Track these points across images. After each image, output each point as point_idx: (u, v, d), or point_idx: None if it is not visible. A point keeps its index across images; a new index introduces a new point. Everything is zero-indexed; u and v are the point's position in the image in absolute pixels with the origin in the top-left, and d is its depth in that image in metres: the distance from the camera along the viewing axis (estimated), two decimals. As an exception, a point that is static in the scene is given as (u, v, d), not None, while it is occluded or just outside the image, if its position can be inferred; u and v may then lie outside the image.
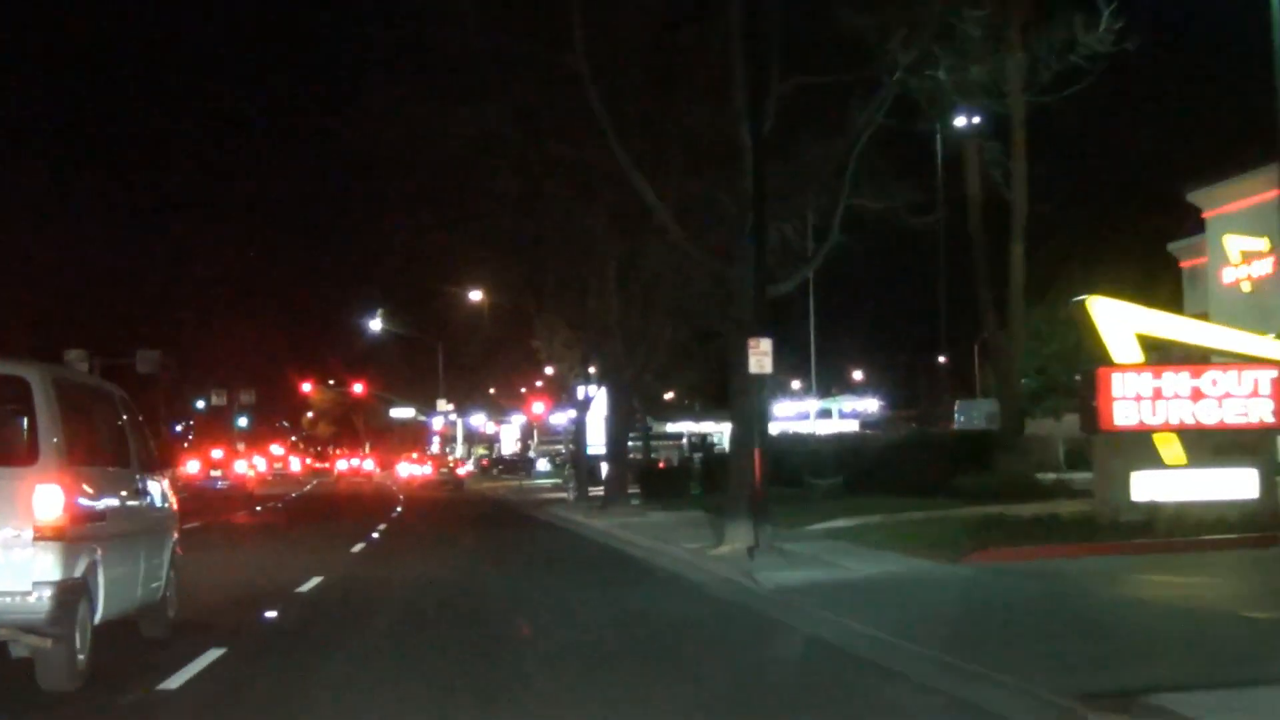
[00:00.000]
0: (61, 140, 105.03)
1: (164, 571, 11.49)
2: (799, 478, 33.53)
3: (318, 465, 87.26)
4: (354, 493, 55.50)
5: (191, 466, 55.24)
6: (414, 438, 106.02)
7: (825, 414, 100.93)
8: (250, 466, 55.05)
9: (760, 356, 18.77)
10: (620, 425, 32.66)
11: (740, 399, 19.89)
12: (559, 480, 58.88)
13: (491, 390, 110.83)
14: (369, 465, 65.93)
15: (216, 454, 54.40)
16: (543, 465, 66.11)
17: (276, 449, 62.33)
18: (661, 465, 46.81)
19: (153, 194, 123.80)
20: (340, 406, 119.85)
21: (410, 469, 57.69)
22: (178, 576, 11.97)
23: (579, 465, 38.37)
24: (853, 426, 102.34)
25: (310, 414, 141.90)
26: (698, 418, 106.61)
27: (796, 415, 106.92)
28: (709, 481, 38.60)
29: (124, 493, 10.42)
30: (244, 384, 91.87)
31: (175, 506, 12.27)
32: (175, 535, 12.11)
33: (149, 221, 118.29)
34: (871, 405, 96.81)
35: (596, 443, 60.38)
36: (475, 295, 63.80)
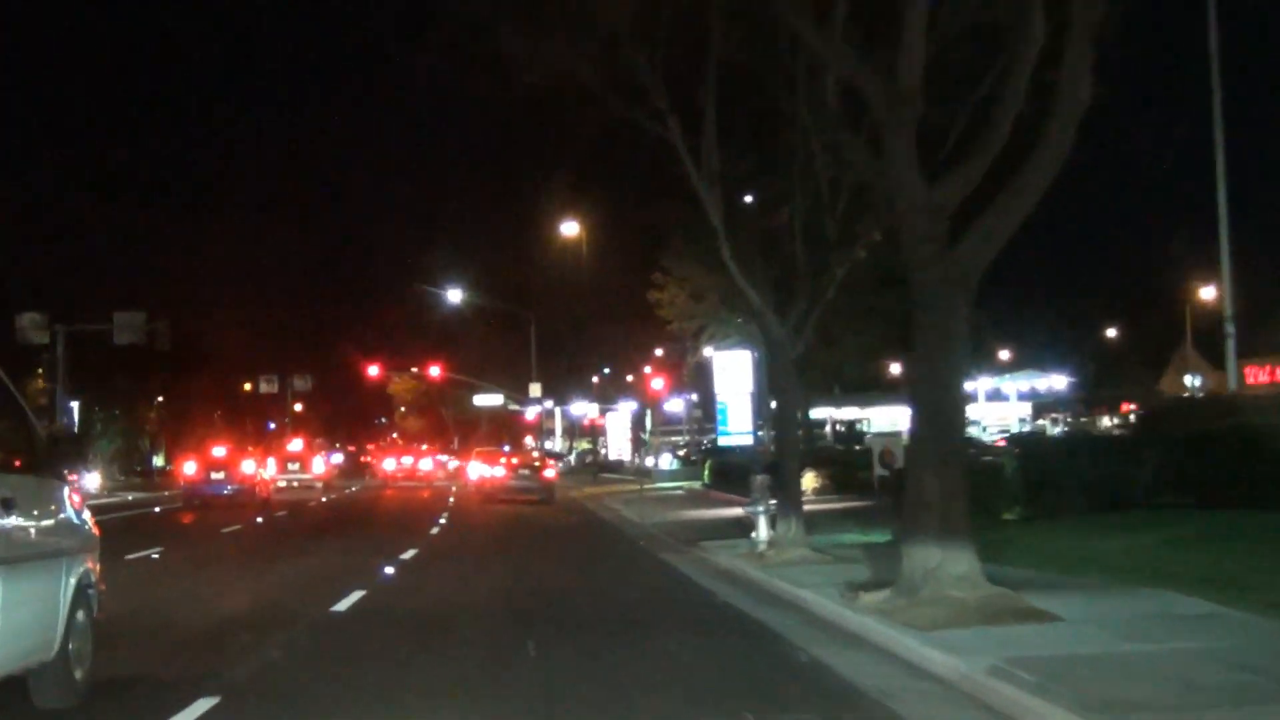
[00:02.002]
0: (75, 88, 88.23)
1: (60, 616, 7.60)
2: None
3: (365, 461, 68.23)
4: (391, 503, 36.52)
5: (188, 468, 36.79)
6: (506, 430, 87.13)
7: (997, 396, 79.86)
8: (260, 466, 36.08)
9: None
10: (949, 377, 11.92)
11: None
12: (694, 483, 39.21)
13: (595, 379, 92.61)
14: (426, 465, 46.72)
15: (218, 451, 35.77)
16: (665, 462, 46.16)
17: (295, 444, 42.96)
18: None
19: (167, 136, 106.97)
20: (424, 397, 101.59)
21: (483, 469, 38.17)
22: (92, 622, 8.04)
23: (782, 469, 18.20)
24: (1025, 410, 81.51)
25: (403, 409, 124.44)
26: (838, 402, 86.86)
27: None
28: (1037, 498, 18.43)
29: None
30: (299, 368, 73.98)
31: (92, 525, 8.46)
32: (89, 564, 8.15)
33: (161, 170, 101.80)
34: (1059, 382, 75.34)
35: (735, 425, 41.44)
36: (571, 228, 44.47)
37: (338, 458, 46.95)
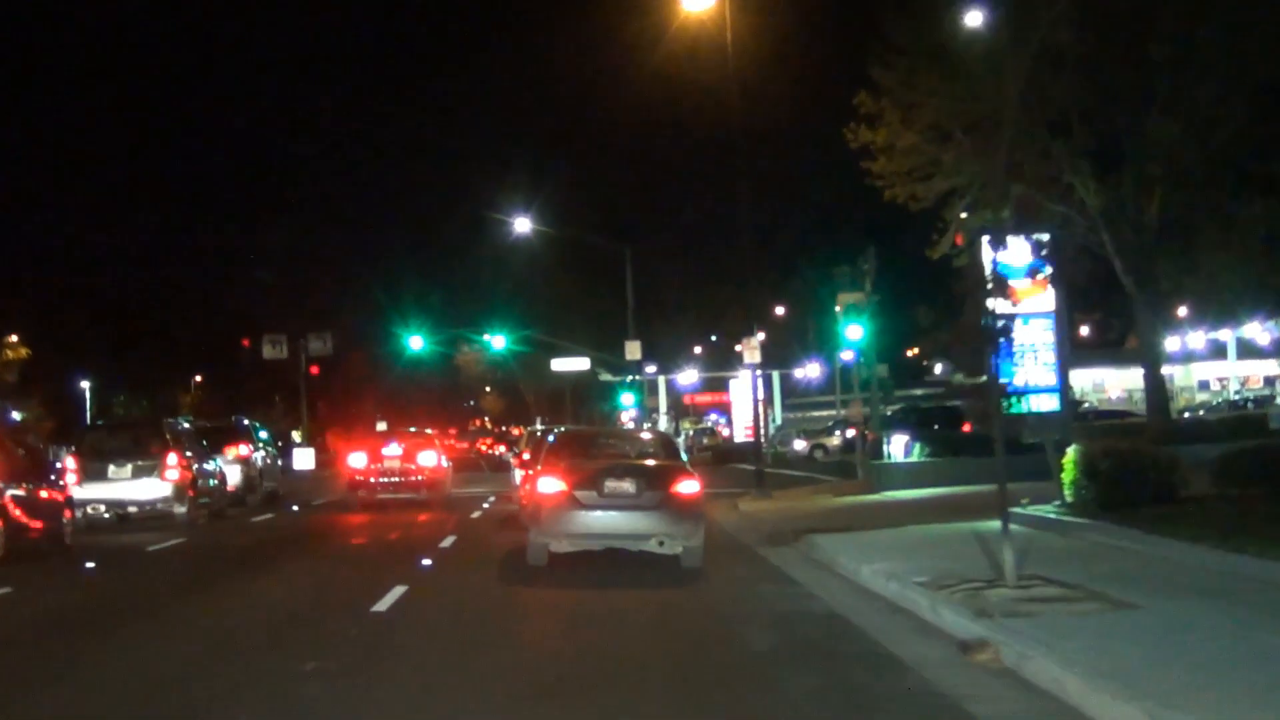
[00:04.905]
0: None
1: None
2: None
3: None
4: (273, 564, 13.51)
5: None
6: (590, 403, 65.45)
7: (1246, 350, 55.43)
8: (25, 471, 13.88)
9: None
10: None
11: None
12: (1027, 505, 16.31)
13: (698, 349, 71.22)
14: (428, 459, 24.06)
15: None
16: (899, 448, 23.27)
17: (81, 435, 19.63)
18: None
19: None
20: (498, 370, 79.71)
21: (541, 477, 13.92)
22: None
23: None
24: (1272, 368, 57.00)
25: (487, 388, 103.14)
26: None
27: (1177, 352, 60.98)
28: None
29: None
30: (313, 327, 52.22)
31: None
32: None
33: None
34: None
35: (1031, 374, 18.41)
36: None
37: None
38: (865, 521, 15.47)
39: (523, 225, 43.87)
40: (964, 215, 23.18)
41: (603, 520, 11.71)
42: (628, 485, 11.77)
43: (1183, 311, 37.90)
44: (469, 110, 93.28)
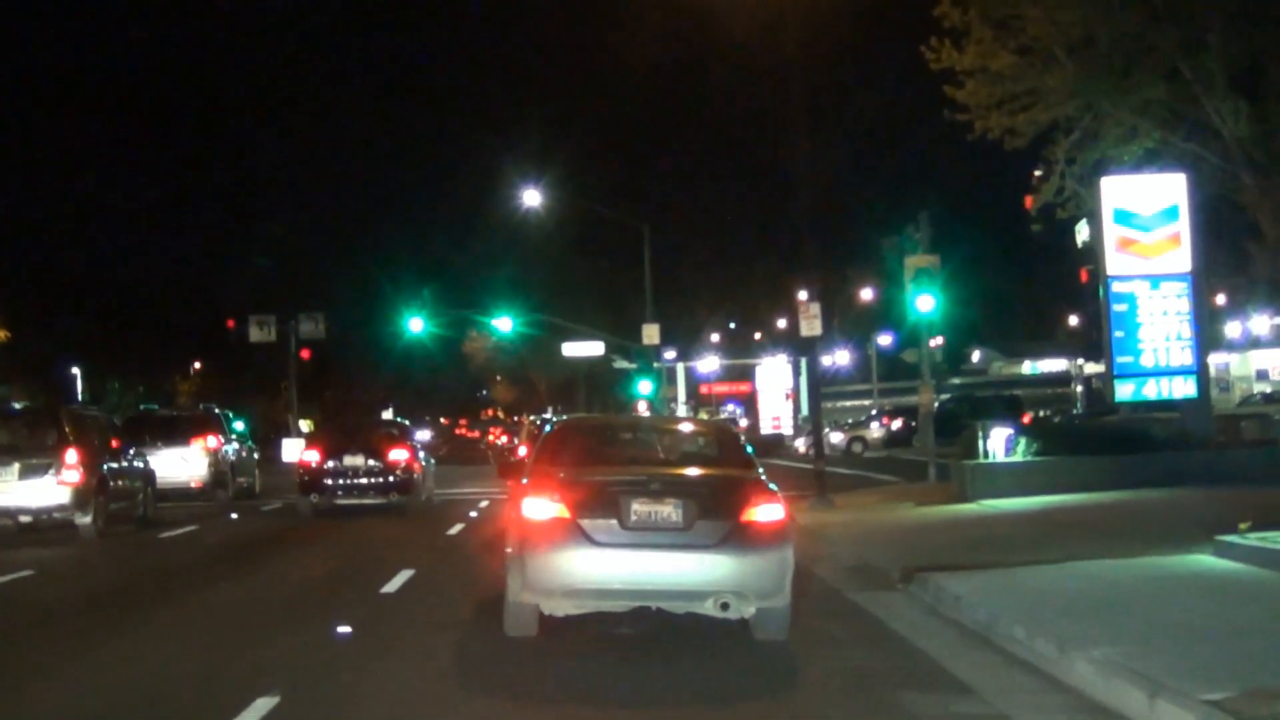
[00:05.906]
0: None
1: None
2: None
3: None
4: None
5: None
6: (604, 391, 60.85)
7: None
8: None
9: None
10: None
11: None
12: None
13: (716, 336, 67.18)
14: (401, 455, 19.24)
15: None
16: (999, 444, 18.46)
17: None
18: None
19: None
20: (506, 354, 75.13)
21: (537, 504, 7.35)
22: None
23: None
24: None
25: (499, 376, 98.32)
26: (1069, 351, 59.47)
27: (1239, 338, 56.00)
28: None
29: None
30: (310, 309, 47.39)
31: None
32: None
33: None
34: None
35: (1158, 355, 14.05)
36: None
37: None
38: (992, 549, 10.83)
39: (533, 198, 39.42)
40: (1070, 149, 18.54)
41: (628, 567, 7.06)
42: (669, 510, 7.13)
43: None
44: (476, 80, 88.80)
